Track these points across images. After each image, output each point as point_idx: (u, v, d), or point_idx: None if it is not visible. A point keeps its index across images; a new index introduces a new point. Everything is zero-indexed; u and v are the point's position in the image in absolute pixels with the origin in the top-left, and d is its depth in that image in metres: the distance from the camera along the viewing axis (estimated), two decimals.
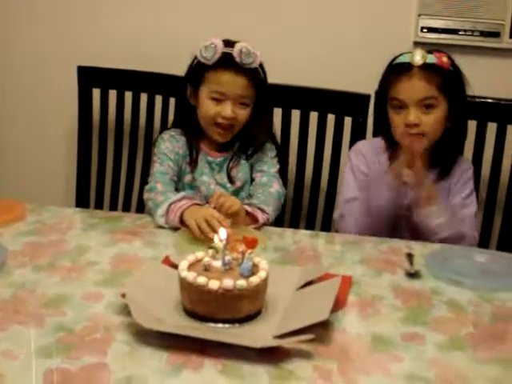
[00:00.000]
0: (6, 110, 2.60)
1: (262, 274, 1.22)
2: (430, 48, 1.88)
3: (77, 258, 1.48)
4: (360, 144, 1.95)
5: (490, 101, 2.08)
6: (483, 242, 2.11)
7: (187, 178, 1.90)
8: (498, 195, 2.12)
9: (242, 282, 1.18)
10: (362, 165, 1.88)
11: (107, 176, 2.38)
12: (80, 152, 2.37)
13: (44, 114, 2.58)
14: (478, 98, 2.05)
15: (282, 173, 1.96)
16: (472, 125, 2.09)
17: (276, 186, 1.87)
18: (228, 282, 1.18)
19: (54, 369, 1.05)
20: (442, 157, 1.86)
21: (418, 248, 1.62)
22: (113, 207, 2.37)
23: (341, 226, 1.86)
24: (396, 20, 2.32)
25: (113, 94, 2.33)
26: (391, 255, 1.59)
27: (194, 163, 1.89)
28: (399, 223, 1.86)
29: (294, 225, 2.19)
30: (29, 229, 1.64)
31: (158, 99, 2.29)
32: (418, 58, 1.77)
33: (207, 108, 1.84)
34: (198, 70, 1.85)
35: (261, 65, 1.86)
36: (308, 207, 2.21)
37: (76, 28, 2.48)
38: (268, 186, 1.86)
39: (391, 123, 1.83)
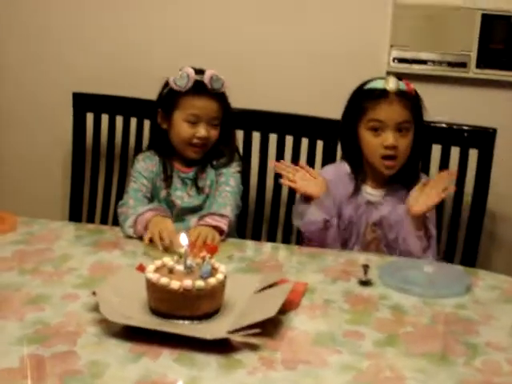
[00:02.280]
0: (5, 131, 2.78)
1: (219, 276, 1.37)
2: (401, 77, 2.03)
3: (59, 264, 1.64)
4: (326, 170, 2.08)
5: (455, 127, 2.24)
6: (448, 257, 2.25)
7: (162, 194, 2.07)
8: (461, 214, 2.27)
9: (200, 283, 1.33)
10: None
11: (99, 194, 2.53)
12: (74, 171, 2.53)
13: (40, 135, 2.75)
14: (441, 123, 2.22)
15: (244, 181, 2.14)
16: (437, 148, 2.25)
17: (232, 184, 2.05)
18: (188, 282, 1.32)
19: (28, 355, 1.20)
20: (405, 176, 2.00)
21: (374, 260, 1.76)
22: (103, 223, 2.51)
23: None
24: (369, 51, 2.48)
25: (105, 118, 2.49)
26: (348, 266, 1.73)
27: (168, 180, 2.06)
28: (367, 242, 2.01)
29: (272, 239, 2.35)
30: (18, 238, 1.79)
31: (147, 123, 2.45)
32: (392, 85, 1.93)
33: (183, 130, 2.02)
34: (171, 97, 2.03)
35: None
36: (284, 223, 2.35)
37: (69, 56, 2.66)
38: (224, 185, 2.04)
39: (366, 146, 1.95)
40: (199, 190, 2.07)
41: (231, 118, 2.11)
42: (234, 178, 2.07)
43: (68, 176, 2.56)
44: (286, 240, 2.34)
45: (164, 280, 1.33)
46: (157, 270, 1.40)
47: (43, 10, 2.64)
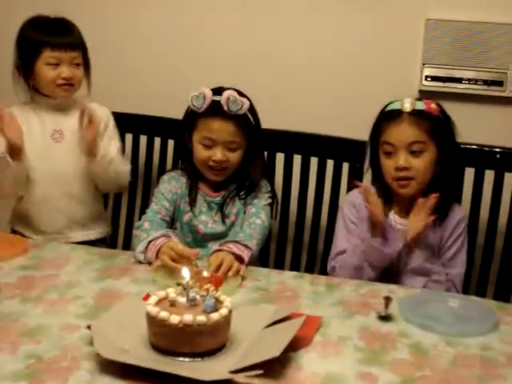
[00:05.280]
0: None
1: (223, 312, 1.29)
2: (434, 96, 1.93)
3: (64, 292, 1.58)
4: (353, 195, 1.97)
5: (486, 149, 2.12)
6: (480, 290, 2.12)
7: (186, 217, 1.99)
8: (495, 243, 2.14)
9: (201, 318, 1.25)
10: (353, 216, 1.93)
11: (122, 215, 2.48)
12: None
13: None
14: (479, 145, 2.11)
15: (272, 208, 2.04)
16: (470, 172, 2.12)
17: (263, 217, 1.95)
18: (188, 317, 1.25)
19: None
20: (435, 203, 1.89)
21: (398, 292, 1.66)
22: (126, 243, 2.46)
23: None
24: (401, 69, 2.38)
25: (129, 138, 2.45)
26: (369, 298, 1.63)
27: (193, 203, 1.98)
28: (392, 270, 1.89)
29: (295, 266, 2.25)
30: (28, 263, 1.75)
31: (171, 143, 2.40)
32: (407, 104, 1.84)
33: (199, 152, 1.95)
34: (191, 117, 1.95)
35: (251, 109, 1.94)
36: (308, 248, 2.26)
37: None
38: (255, 217, 1.95)
39: (382, 170, 1.89)
40: (224, 216, 1.99)
41: (258, 140, 2.00)
42: (264, 212, 1.98)
43: None
44: (310, 266, 2.25)
45: (163, 314, 1.26)
46: (159, 302, 1.33)
47: None
